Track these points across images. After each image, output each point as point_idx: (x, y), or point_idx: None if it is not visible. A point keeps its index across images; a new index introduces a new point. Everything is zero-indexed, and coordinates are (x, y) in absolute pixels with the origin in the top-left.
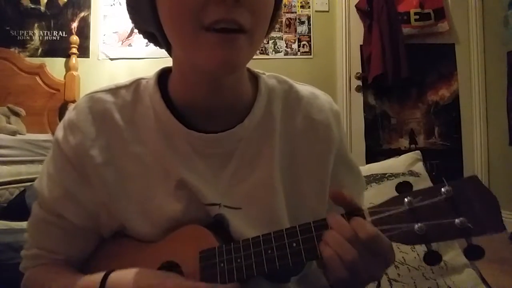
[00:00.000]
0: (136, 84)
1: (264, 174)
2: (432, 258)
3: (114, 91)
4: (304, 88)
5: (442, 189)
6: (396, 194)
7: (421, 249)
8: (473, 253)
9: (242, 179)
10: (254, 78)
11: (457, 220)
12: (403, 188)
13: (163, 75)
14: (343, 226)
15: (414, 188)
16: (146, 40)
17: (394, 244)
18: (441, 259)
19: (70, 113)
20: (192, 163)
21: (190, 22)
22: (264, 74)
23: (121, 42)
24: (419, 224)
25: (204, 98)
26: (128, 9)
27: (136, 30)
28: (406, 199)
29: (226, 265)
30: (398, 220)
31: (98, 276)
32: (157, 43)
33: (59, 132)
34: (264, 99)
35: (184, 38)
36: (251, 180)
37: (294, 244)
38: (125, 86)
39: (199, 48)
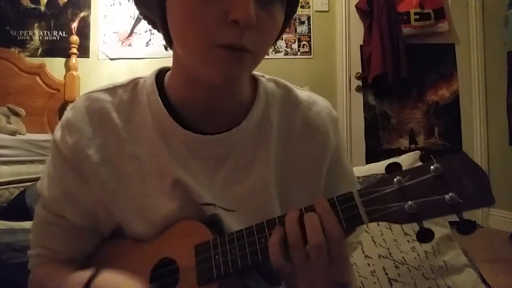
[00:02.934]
0: (133, 83)
1: (259, 177)
2: (424, 235)
3: (112, 90)
4: (303, 93)
5: (431, 167)
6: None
7: (421, 249)
8: (465, 228)
9: (237, 181)
10: (254, 80)
11: (447, 196)
12: (392, 168)
13: (161, 74)
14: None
15: None
16: (146, 40)
17: (395, 244)
18: (434, 236)
19: (67, 113)
20: (187, 163)
21: (202, 41)
22: (263, 76)
23: (121, 42)
24: (410, 203)
25: (202, 98)
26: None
27: (136, 31)
28: (395, 179)
29: (221, 257)
30: (389, 199)
31: (83, 277)
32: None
33: (57, 132)
34: (263, 103)
35: (193, 53)
36: (246, 183)
37: None
38: (123, 85)
39: (206, 63)
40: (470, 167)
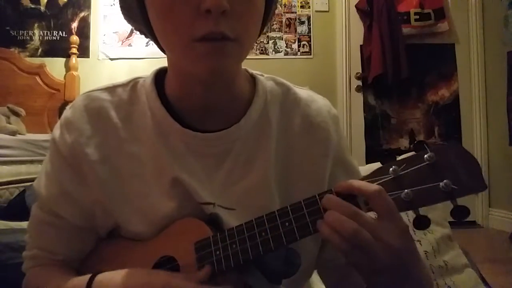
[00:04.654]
0: (133, 83)
1: (259, 176)
2: (421, 222)
3: (111, 89)
4: (302, 91)
5: (425, 156)
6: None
7: (421, 249)
8: (459, 214)
9: (237, 180)
10: (252, 79)
11: (441, 183)
12: (387, 159)
13: (160, 74)
14: (340, 204)
15: None
16: (146, 40)
17: None
18: (430, 223)
19: (66, 112)
20: (186, 162)
21: (181, 36)
22: (262, 75)
23: (121, 42)
24: (406, 191)
25: (199, 96)
26: (121, 10)
27: (136, 31)
28: (391, 169)
29: (222, 252)
30: (385, 189)
31: (85, 278)
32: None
33: (56, 131)
34: (261, 101)
35: (174, 49)
36: (246, 181)
37: (287, 224)
38: (122, 85)
39: (189, 58)
40: (462, 155)
